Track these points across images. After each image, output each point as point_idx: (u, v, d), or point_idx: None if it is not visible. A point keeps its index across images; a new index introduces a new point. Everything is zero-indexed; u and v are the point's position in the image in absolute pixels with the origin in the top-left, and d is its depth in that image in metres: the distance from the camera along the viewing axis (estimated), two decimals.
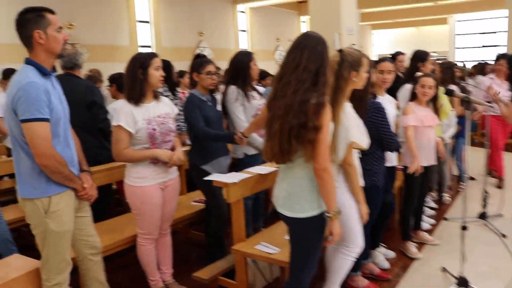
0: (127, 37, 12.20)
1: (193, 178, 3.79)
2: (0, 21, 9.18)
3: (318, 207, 2.42)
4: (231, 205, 3.16)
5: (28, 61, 2.41)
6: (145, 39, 12.94)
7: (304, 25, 19.67)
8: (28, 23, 2.37)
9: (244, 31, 16.88)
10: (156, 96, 3.12)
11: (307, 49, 2.32)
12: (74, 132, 2.76)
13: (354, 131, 2.74)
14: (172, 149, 3.13)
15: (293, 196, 2.44)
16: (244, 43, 16.77)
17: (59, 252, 2.57)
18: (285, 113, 2.30)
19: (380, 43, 23.57)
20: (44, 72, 2.42)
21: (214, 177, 3.25)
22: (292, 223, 2.50)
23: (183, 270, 3.69)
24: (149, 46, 12.90)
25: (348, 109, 2.78)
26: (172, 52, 11.99)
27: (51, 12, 2.44)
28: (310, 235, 2.48)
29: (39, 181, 2.45)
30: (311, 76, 2.30)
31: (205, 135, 3.49)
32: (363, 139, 2.78)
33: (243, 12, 16.78)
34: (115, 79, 4.97)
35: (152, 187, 3.05)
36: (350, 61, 2.74)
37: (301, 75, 2.29)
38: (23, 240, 4.69)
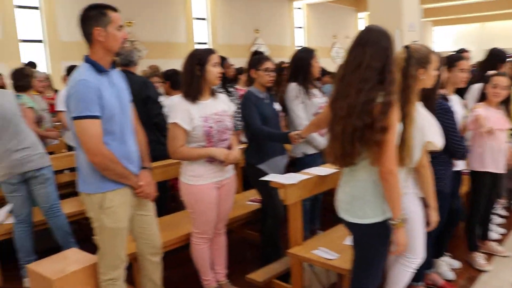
0: (184, 34, 12.37)
1: (248, 177, 3.71)
2: (67, 19, 9.56)
3: (382, 213, 2.27)
4: (288, 207, 3.05)
5: (86, 59, 2.45)
6: (202, 36, 13.09)
7: (362, 21, 19.25)
8: (90, 20, 2.39)
9: (300, 27, 16.74)
10: (213, 93, 3.06)
11: (370, 45, 2.17)
12: (141, 129, 2.76)
13: (429, 130, 2.57)
14: (229, 147, 3.06)
15: (356, 200, 2.30)
16: (300, 40, 16.63)
17: (114, 249, 2.57)
18: (348, 114, 2.16)
19: (442, 40, 22.63)
20: (99, 69, 2.42)
21: (271, 177, 3.15)
22: (354, 229, 2.36)
23: (237, 270, 3.62)
24: (205, 43, 13.03)
25: (420, 108, 2.61)
26: (227, 49, 12.03)
27: (114, 10, 2.45)
28: (373, 242, 2.33)
29: (94, 177, 2.46)
30: (375, 74, 2.15)
31: (261, 133, 3.40)
32: (438, 139, 2.60)
33: (299, 8, 16.63)
34: (169, 76, 4.97)
35: (208, 186, 3.00)
36: (418, 57, 2.56)
37: (363, 73, 2.15)
38: (82, 233, 4.81)
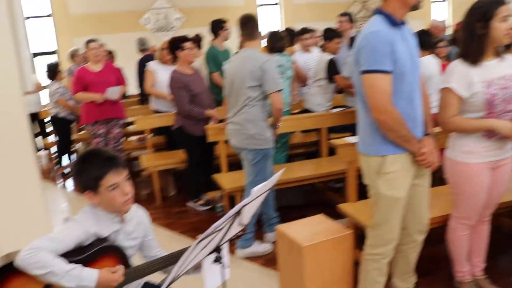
0: None
1: None
2: None
3: None
4: None
5: (378, 11, 2.29)
6: None
7: None
8: None
9: None
10: (498, 53, 2.50)
11: None
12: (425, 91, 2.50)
13: None
14: None
15: None
16: None
17: (388, 221, 2.39)
18: None
19: None
20: (393, 22, 2.23)
21: None
22: None
23: (495, 265, 3.07)
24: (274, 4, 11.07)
25: None
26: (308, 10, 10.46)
27: None
28: None
29: (374, 138, 2.31)
30: None
31: None
32: None
33: None
34: None
35: (481, 165, 2.51)
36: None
37: None
38: (318, 195, 4.80)
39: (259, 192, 1.57)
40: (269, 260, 3.51)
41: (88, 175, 1.76)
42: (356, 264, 2.75)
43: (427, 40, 4.12)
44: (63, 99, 6.28)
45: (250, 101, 3.36)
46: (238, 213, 1.49)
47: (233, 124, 3.51)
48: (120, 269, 1.75)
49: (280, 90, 3.36)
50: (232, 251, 3.56)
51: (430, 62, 4.05)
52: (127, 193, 1.80)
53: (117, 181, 1.77)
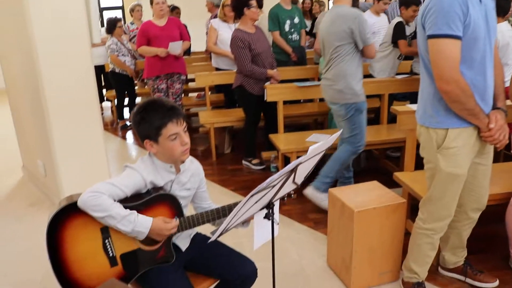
0: None
1: None
2: None
3: None
4: None
5: None
6: None
7: None
8: None
9: None
10: None
11: None
12: (499, 62, 2.28)
13: None
14: None
15: None
16: None
17: (445, 197, 2.28)
18: None
19: None
20: None
21: None
22: None
23: None
24: None
25: None
26: None
27: None
28: None
29: (438, 109, 2.15)
30: None
31: None
32: None
33: None
34: None
35: None
36: None
37: None
38: (374, 162, 4.73)
39: (315, 152, 1.55)
40: (318, 223, 3.52)
41: (150, 124, 1.79)
42: (406, 234, 2.70)
43: (505, 6, 3.85)
44: (114, 55, 6.46)
45: (339, 56, 3.39)
46: (293, 170, 1.49)
47: (325, 79, 3.56)
48: (175, 221, 1.82)
49: (370, 44, 3.38)
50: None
51: (506, 29, 3.79)
52: (186, 143, 1.84)
53: (177, 131, 1.81)
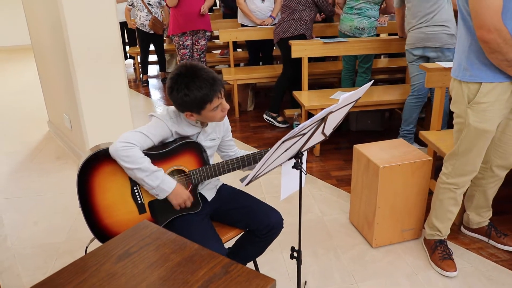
0: None
1: None
2: None
3: None
4: None
5: None
6: None
7: None
8: None
9: None
10: None
11: None
12: None
13: None
14: None
15: None
16: None
17: (471, 152, 2.24)
18: None
19: None
20: None
21: None
22: None
23: None
24: None
25: None
26: None
27: None
28: None
29: (473, 62, 2.07)
30: None
31: None
32: None
33: None
34: None
35: None
36: None
37: None
38: (399, 122, 4.67)
39: (346, 101, 1.53)
40: (340, 181, 3.53)
41: (193, 101, 1.75)
42: (430, 194, 2.69)
43: None
44: (128, 8, 6.46)
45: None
46: (323, 119, 1.47)
47: (432, 26, 3.52)
48: (191, 198, 1.88)
49: None
50: None
51: None
52: (226, 108, 1.85)
53: (221, 101, 1.81)
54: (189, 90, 1.73)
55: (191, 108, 1.79)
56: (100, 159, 1.79)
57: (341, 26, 4.50)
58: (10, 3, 10.36)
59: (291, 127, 4.72)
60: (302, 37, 4.51)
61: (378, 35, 4.83)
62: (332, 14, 4.53)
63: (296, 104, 4.73)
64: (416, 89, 3.75)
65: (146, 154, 1.78)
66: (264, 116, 4.91)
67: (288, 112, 4.81)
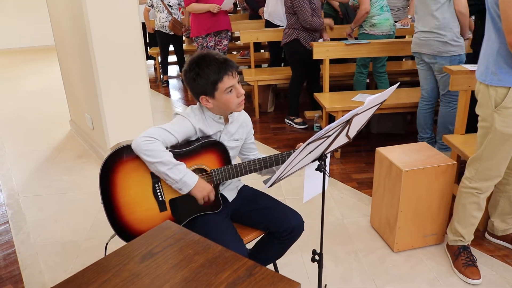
0: None
1: None
2: None
3: None
4: None
5: None
6: None
7: None
8: None
9: None
10: None
11: None
12: None
13: None
14: None
15: None
16: None
17: (495, 157, 2.20)
18: None
19: None
20: None
21: None
22: None
23: None
24: None
25: None
26: None
27: None
28: None
29: (501, 66, 2.03)
30: None
31: None
32: None
33: None
34: None
35: None
36: None
37: None
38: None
39: (372, 103, 1.50)
40: (361, 184, 3.49)
41: (205, 80, 1.78)
42: (454, 199, 2.64)
43: None
44: (147, 8, 6.51)
45: (442, 4, 3.35)
46: (348, 121, 1.45)
47: (427, 33, 3.47)
48: (213, 191, 1.87)
49: None
50: None
51: None
52: (241, 94, 1.84)
53: (233, 83, 1.80)
54: (200, 68, 1.78)
55: (205, 90, 1.81)
56: (122, 156, 1.79)
57: (381, 29, 4.43)
58: (36, 5, 10.54)
59: (310, 128, 4.70)
60: (296, 42, 4.49)
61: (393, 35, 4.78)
62: (308, 26, 4.34)
63: (317, 106, 4.71)
64: (423, 91, 3.78)
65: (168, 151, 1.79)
66: (285, 120, 4.92)
67: (308, 113, 4.79)
